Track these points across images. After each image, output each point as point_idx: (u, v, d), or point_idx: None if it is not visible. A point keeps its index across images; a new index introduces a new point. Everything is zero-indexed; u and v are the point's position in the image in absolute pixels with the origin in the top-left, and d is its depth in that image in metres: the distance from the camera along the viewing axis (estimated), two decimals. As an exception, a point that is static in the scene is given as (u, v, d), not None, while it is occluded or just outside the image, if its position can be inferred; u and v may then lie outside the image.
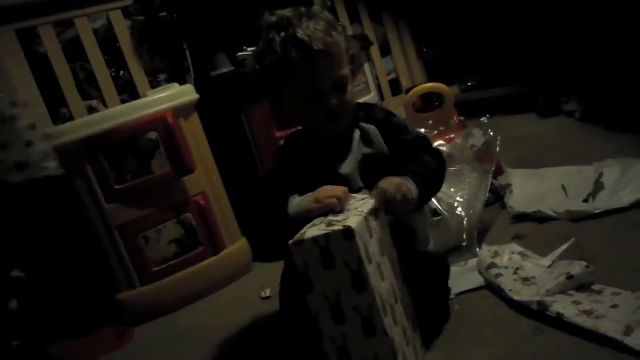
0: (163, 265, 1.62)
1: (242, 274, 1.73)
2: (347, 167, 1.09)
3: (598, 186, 1.44)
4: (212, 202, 1.69)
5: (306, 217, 0.95)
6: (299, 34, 0.99)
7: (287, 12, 1.03)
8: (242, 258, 1.75)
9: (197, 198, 1.66)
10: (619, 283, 1.04)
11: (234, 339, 1.37)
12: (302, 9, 1.04)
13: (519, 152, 1.93)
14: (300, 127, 1.20)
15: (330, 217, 0.92)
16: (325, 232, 0.86)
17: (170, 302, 1.62)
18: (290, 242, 0.87)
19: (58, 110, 1.77)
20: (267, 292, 1.53)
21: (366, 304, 0.86)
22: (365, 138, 1.11)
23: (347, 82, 1.06)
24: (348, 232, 0.84)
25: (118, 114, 1.58)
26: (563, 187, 1.50)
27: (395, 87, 2.68)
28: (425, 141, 1.14)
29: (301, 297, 0.93)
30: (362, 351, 0.88)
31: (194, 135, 1.67)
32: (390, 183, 0.97)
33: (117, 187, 1.57)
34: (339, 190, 0.96)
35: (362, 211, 0.91)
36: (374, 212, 0.94)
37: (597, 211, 1.34)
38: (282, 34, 1.01)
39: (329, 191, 0.96)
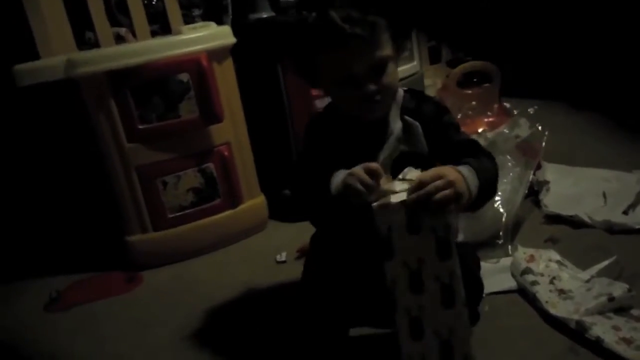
0: (178, 213, 1.57)
1: (256, 231, 1.69)
2: (381, 158, 0.99)
3: (639, 198, 1.40)
4: (236, 155, 1.62)
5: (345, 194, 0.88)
6: (331, 15, 0.89)
7: None
8: (258, 215, 1.70)
9: (221, 148, 1.59)
10: (658, 310, 1.01)
11: (241, 298, 1.35)
12: None
13: (550, 144, 1.86)
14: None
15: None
16: None
17: (180, 252, 1.58)
18: (375, 205, 0.83)
19: (83, 34, 1.65)
20: (284, 256, 1.49)
21: (448, 273, 0.83)
22: (407, 133, 1.00)
23: (386, 64, 0.95)
24: None
25: (149, 49, 1.48)
26: (604, 194, 1.45)
27: (434, 55, 2.57)
28: (479, 145, 1.02)
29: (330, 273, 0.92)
30: (437, 323, 0.85)
31: (226, 82, 1.58)
32: (436, 171, 0.84)
33: (140, 127, 1.48)
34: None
35: None
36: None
37: (637, 227, 1.30)
38: (314, 14, 0.92)
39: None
